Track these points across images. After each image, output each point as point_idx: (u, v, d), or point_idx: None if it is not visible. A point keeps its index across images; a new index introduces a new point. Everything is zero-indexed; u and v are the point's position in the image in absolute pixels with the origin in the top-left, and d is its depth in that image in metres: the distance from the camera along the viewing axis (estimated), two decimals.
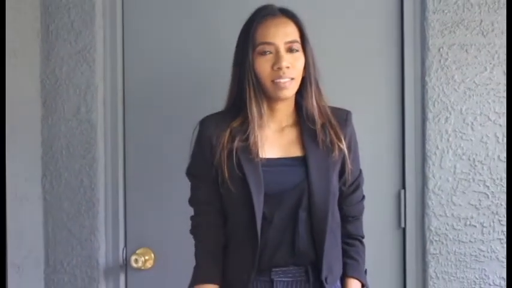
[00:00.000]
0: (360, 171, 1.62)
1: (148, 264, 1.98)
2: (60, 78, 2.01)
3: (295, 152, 1.52)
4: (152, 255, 1.99)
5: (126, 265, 2.01)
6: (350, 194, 1.59)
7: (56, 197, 2.03)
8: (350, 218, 1.61)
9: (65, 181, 2.02)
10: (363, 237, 1.63)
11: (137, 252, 1.98)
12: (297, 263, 1.48)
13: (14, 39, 1.92)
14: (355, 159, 1.59)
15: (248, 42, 1.48)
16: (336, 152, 1.51)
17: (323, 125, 1.52)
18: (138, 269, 1.97)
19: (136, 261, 1.94)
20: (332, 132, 1.52)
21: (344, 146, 1.52)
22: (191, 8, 1.99)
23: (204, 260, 1.54)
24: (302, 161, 1.50)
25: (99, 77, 1.99)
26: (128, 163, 2.03)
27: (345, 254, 1.59)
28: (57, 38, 2.01)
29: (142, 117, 2.02)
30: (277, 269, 1.48)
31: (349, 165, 1.54)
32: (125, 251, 2.01)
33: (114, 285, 2.01)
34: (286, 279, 1.48)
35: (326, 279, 1.49)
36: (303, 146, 1.51)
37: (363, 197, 1.64)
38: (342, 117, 1.57)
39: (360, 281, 1.58)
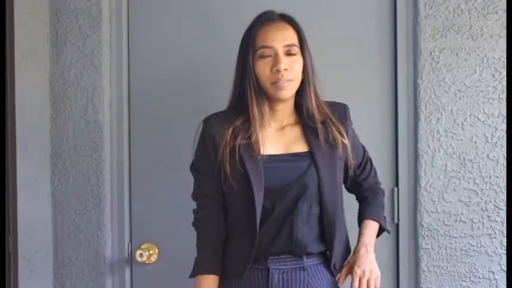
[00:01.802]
0: (363, 148, 1.69)
1: (153, 259, 2.00)
2: (69, 81, 2.03)
3: (299, 148, 1.55)
4: (156, 250, 2.01)
5: (131, 259, 2.03)
6: (362, 171, 1.67)
7: (65, 194, 2.05)
8: (370, 187, 1.69)
9: (73, 179, 2.04)
10: (383, 190, 1.73)
11: (142, 247, 2.00)
12: (293, 252, 1.52)
13: (24, 43, 1.95)
14: (358, 148, 1.66)
15: (249, 46, 1.52)
16: (340, 148, 1.55)
17: (324, 123, 1.56)
18: (143, 263, 1.99)
19: (141, 255, 1.97)
20: (334, 129, 1.55)
21: (347, 141, 1.56)
22: (194, 13, 2.01)
23: (204, 252, 1.57)
24: (307, 156, 1.53)
25: (106, 80, 2.02)
26: (133, 162, 2.05)
27: (364, 201, 1.67)
28: (66, 42, 2.02)
29: (147, 118, 2.04)
30: (273, 258, 1.52)
31: (351, 160, 1.59)
32: (130, 246, 2.04)
33: (120, 278, 2.03)
34: (282, 267, 1.52)
35: (335, 265, 1.55)
36: (307, 142, 1.55)
37: (371, 162, 1.71)
38: (341, 113, 1.61)
39: (377, 221, 1.63)
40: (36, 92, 2.03)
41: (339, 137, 1.55)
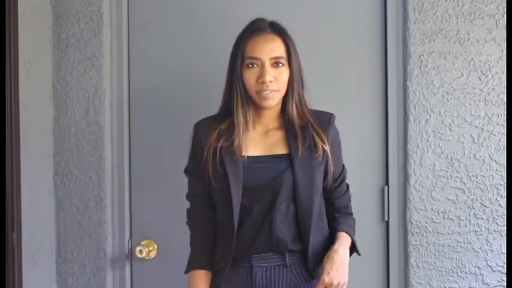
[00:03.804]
0: (343, 165, 1.70)
1: (152, 255, 2.04)
2: (71, 83, 2.07)
3: (280, 150, 1.60)
4: (155, 246, 2.05)
5: (131, 255, 2.07)
6: (337, 187, 1.68)
7: (67, 192, 2.09)
8: (342, 208, 1.69)
9: (75, 178, 2.08)
10: (354, 220, 1.70)
11: (142, 243, 2.04)
12: (274, 250, 1.56)
13: (28, 47, 1.98)
14: (339, 158, 1.68)
15: (238, 55, 1.57)
16: (320, 152, 1.58)
17: (303, 128, 1.60)
18: (143, 259, 2.04)
19: (140, 252, 2.01)
20: (315, 134, 1.59)
21: (327, 147, 1.59)
22: (192, 19, 2.05)
23: (197, 248, 1.63)
24: (286, 158, 1.58)
25: (106, 82, 2.06)
26: (132, 161, 2.09)
27: (336, 220, 1.65)
28: (68, 46, 2.06)
29: (146, 119, 2.08)
30: (256, 256, 1.56)
31: (331, 166, 1.61)
32: (130, 243, 2.08)
33: (120, 274, 2.07)
34: (264, 264, 1.57)
35: (314, 268, 1.58)
36: (288, 145, 1.59)
37: (348, 186, 1.72)
38: (325, 120, 1.64)
39: (348, 234, 1.61)
40: (40, 93, 2.06)
41: (319, 142, 1.58)
